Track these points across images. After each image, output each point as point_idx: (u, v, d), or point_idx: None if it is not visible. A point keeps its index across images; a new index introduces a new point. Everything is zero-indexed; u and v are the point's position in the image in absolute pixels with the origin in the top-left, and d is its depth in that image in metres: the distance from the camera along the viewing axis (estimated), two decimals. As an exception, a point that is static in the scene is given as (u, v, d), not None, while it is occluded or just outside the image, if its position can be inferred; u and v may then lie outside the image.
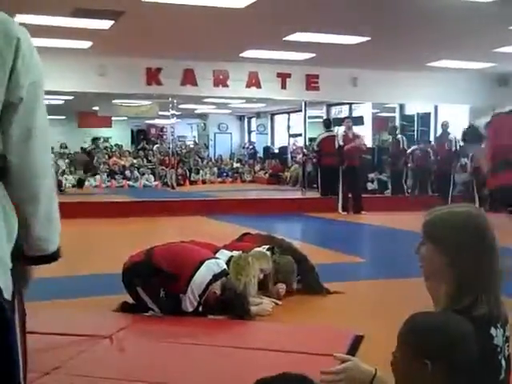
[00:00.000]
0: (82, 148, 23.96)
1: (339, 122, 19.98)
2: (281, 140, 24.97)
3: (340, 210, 12.99)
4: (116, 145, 25.35)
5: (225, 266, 4.67)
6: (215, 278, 4.49)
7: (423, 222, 2.17)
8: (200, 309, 4.46)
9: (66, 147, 24.44)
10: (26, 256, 1.75)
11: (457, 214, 2.16)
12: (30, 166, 1.64)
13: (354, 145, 12.95)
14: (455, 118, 17.38)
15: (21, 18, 9.27)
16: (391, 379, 2.03)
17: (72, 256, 8.10)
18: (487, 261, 2.07)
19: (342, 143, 12.98)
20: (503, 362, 2.06)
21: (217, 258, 4.71)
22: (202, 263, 4.47)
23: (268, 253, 5.33)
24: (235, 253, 5.05)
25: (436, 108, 16.97)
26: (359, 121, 19.05)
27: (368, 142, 17.53)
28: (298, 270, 5.55)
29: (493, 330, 2.02)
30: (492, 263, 2.08)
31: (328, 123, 14.91)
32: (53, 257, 1.81)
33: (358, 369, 2.18)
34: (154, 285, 4.56)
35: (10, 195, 1.65)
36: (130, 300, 4.70)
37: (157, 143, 26.24)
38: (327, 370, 2.23)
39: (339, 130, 14.87)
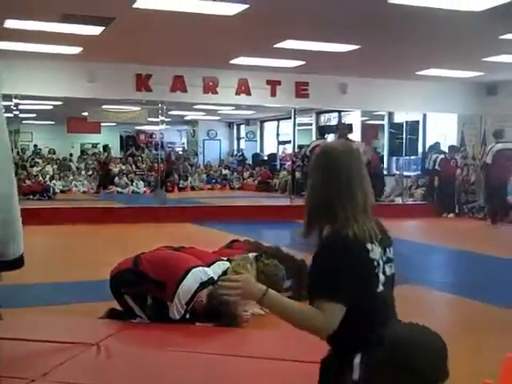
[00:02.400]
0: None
1: (329, 129, 20.09)
2: (270, 147, 25.00)
3: None
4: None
5: (212, 275, 4.66)
6: (202, 285, 4.48)
7: None
8: (187, 316, 4.45)
9: (55, 153, 24.35)
10: None
11: (329, 149, 2.49)
12: None
13: None
14: (444, 126, 17.49)
15: (10, 23, 9.25)
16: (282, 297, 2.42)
17: (59, 262, 8.06)
18: (339, 186, 2.33)
19: None
20: (381, 276, 2.34)
21: (204, 266, 4.69)
22: (188, 271, 4.46)
23: (250, 256, 5.33)
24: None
25: (425, 116, 17.03)
26: (348, 128, 19.11)
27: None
28: (295, 272, 5.59)
29: (369, 245, 2.30)
30: (346, 189, 2.33)
31: (322, 130, 15.14)
32: (14, 263, 1.61)
33: (253, 282, 2.47)
34: (141, 292, 4.55)
35: None
36: (118, 307, 4.69)
37: (146, 149, 26.21)
38: (225, 277, 2.56)
39: (329, 138, 14.96)
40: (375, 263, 2.30)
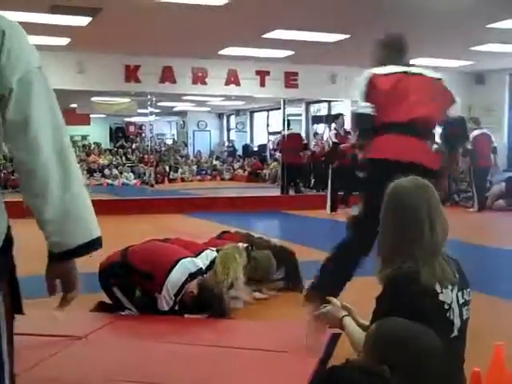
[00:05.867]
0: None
1: (318, 120, 20.05)
2: (260, 138, 24.98)
3: (328, 210, 12.40)
4: (94, 143, 25.21)
5: (201, 265, 4.66)
6: (191, 277, 4.48)
7: None
8: (176, 308, 4.44)
9: (44, 145, 24.24)
10: (51, 253, 1.73)
11: (389, 186, 2.40)
12: (31, 158, 1.61)
13: (349, 144, 12.76)
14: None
15: (-4, 14, 9.19)
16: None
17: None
18: (404, 226, 2.29)
19: (335, 140, 12.56)
20: (456, 321, 2.23)
21: (192, 257, 4.68)
22: (177, 262, 4.46)
23: (240, 245, 5.34)
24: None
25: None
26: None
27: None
28: (283, 263, 5.60)
29: (438, 287, 2.20)
30: (413, 229, 2.27)
31: (288, 123, 15.29)
32: (79, 251, 1.74)
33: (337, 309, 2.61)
34: (129, 284, 4.54)
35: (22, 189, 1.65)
36: (107, 299, 4.68)
37: (135, 141, 26.16)
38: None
39: (319, 128, 14.95)
40: (446, 306, 2.21)
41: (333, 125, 13.96)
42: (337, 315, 2.54)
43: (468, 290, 2.32)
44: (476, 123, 13.37)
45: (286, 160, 14.66)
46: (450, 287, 2.22)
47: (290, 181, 14.71)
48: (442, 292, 2.19)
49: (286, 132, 15.07)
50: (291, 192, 14.97)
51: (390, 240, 2.32)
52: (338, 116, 13.52)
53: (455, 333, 2.22)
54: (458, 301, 2.24)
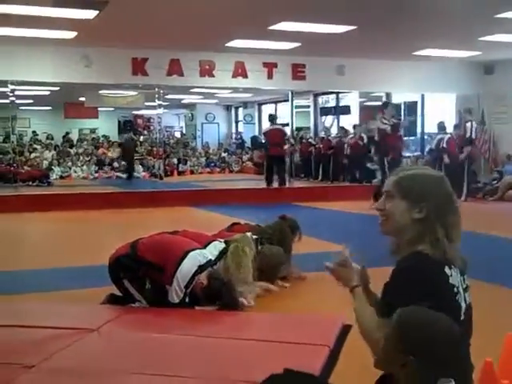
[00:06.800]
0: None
1: (326, 111, 20.00)
2: (268, 130, 24.95)
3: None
4: (103, 136, 25.25)
5: (210, 256, 4.66)
6: (201, 268, 4.49)
7: (397, 178, 2.31)
8: (187, 300, 4.45)
9: (53, 138, 24.26)
10: None
11: (432, 177, 2.33)
12: None
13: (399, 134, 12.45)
14: (442, 106, 17.44)
15: (3, 8, 9.19)
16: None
17: (59, 248, 8.05)
18: (451, 221, 2.26)
19: (389, 132, 11.94)
20: (463, 305, 2.23)
21: (201, 249, 4.69)
22: (186, 254, 4.47)
23: (249, 235, 5.35)
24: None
25: (422, 97, 16.97)
26: (346, 110, 19.04)
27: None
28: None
29: (447, 270, 2.19)
30: (455, 222, 2.28)
31: (272, 118, 15.24)
32: None
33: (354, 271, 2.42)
34: (139, 277, 4.55)
35: None
36: (117, 292, 4.69)
37: (143, 134, 26.18)
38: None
39: (327, 120, 14.88)
40: (455, 290, 2.20)
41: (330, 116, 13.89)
42: (350, 281, 2.40)
43: (466, 275, 2.32)
44: (471, 114, 13.41)
45: (270, 153, 14.92)
46: (455, 271, 2.23)
47: (274, 172, 14.87)
48: (451, 275, 2.19)
49: (270, 127, 15.12)
50: (275, 183, 14.93)
51: (424, 223, 2.25)
52: (387, 105, 12.93)
53: (462, 316, 2.21)
54: (461, 285, 2.25)
